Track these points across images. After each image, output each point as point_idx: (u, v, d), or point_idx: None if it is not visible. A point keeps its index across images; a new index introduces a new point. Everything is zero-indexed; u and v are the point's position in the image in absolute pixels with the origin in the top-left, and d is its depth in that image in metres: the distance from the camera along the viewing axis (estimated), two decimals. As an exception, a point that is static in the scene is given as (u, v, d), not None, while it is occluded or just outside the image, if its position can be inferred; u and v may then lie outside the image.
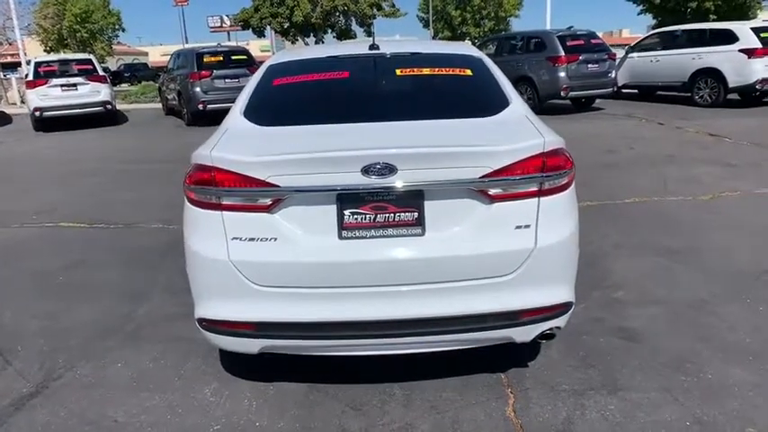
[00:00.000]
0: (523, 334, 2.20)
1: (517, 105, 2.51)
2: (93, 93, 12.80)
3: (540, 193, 2.11)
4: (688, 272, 3.61)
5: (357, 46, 3.26)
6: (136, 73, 36.34)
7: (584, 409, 2.30)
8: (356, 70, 2.83)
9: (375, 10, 21.04)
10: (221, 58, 12.41)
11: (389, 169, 1.99)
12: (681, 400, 2.33)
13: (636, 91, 13.32)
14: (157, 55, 57.21)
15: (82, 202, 6.16)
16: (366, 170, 1.99)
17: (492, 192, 2.06)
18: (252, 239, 2.08)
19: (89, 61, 13.59)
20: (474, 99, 2.64)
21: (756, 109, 10.92)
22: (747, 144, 7.59)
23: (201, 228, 2.16)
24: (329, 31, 21.64)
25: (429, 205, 2.06)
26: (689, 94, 11.67)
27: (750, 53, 10.57)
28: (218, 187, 2.08)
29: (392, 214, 2.06)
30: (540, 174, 2.08)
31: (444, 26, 41.62)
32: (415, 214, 2.07)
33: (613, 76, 11.90)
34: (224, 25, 40.81)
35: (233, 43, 21.37)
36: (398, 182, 2.01)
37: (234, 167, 2.05)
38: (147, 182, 7.09)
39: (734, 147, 7.53)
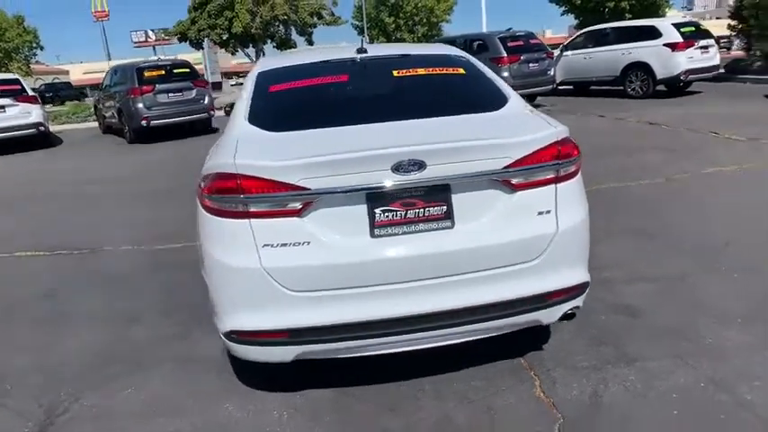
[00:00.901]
0: (549, 316, 2.29)
1: (516, 100, 2.62)
2: (23, 114, 12.03)
3: (557, 180, 2.21)
4: (663, 249, 3.86)
5: (343, 50, 3.28)
6: (58, 93, 34.33)
7: (607, 382, 2.42)
8: (354, 73, 2.85)
9: (316, 19, 21.00)
10: (163, 72, 12.00)
11: (419, 165, 2.03)
12: (691, 363, 2.49)
13: (572, 87, 13.99)
14: (80, 73, 54.45)
15: (37, 229, 5.80)
16: (396, 167, 2.02)
17: (514, 181, 2.14)
18: (284, 245, 2.06)
19: (16, 81, 12.76)
20: (475, 95, 2.72)
21: (681, 98, 11.73)
22: (684, 130, 8.15)
23: (227, 237, 2.11)
24: (269, 41, 21.37)
25: (456, 198, 2.12)
26: (621, 88, 12.39)
27: (673, 47, 11.39)
28: (245, 195, 2.04)
29: (422, 209, 2.10)
30: (556, 161, 2.18)
31: (379, 33, 41.98)
32: (444, 207, 2.11)
33: (552, 73, 12.47)
34: (149, 39, 39.33)
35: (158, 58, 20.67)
36: (427, 177, 2.05)
37: (262, 173, 2.02)
38: (101, 204, 6.77)
39: (672, 133, 8.06)
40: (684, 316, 2.92)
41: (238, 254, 2.08)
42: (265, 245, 2.06)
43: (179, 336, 3.16)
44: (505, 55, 11.74)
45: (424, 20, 43.15)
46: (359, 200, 2.07)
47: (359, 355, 2.25)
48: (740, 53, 14.94)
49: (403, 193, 2.08)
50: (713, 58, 11.96)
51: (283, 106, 2.67)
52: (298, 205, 2.04)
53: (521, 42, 12.24)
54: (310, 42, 21.27)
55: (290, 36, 21.75)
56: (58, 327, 3.43)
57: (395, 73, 2.85)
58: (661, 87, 12.13)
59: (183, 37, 20.96)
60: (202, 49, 22.90)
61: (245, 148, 2.19)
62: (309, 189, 2.02)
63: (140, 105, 11.62)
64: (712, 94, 11.95)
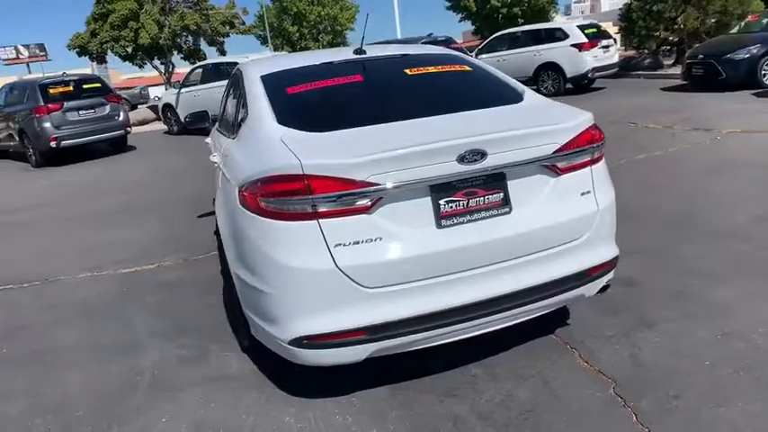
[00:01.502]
0: (591, 289, 2.46)
1: (530, 93, 2.78)
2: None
3: (592, 162, 2.39)
4: (633, 226, 4.21)
5: (340, 52, 3.29)
6: None
7: (638, 346, 2.63)
8: (368, 73, 2.88)
9: (228, 28, 20.34)
10: (71, 88, 11.10)
11: (481, 154, 2.11)
12: (702, 320, 2.78)
13: None
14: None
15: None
16: (461, 158, 2.08)
17: (560, 165, 2.28)
18: (356, 243, 2.05)
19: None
20: (494, 90, 2.85)
21: (589, 94, 12.76)
22: (606, 122, 8.88)
23: (292, 240, 2.06)
24: (176, 52, 20.36)
25: (511, 184, 2.22)
26: (535, 87, 13.25)
27: (580, 47, 12.40)
28: (313, 195, 2.01)
29: (482, 198, 2.18)
30: (591, 145, 2.36)
31: (283, 42, 41.56)
32: (501, 194, 2.21)
33: None
34: (20, 56, 36.05)
35: (36, 75, 18.93)
36: (488, 166, 2.13)
37: (333, 172, 2.00)
38: (32, 232, 6.20)
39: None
40: (678, 281, 3.22)
41: (309, 256, 2.04)
42: (338, 244, 2.04)
43: (196, 358, 3.00)
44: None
45: (329, 28, 43.36)
46: (424, 192, 2.11)
47: (426, 346, 2.28)
48: (630, 52, 16.50)
49: (465, 183, 2.14)
50: (613, 56, 13.15)
51: (313, 107, 2.64)
52: (368, 202, 2.04)
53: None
54: (222, 53, 20.61)
55: (199, 46, 20.96)
56: (45, 365, 3.11)
57: (408, 71, 2.91)
58: (568, 86, 13.12)
59: (82, 50, 19.43)
60: (105, 62, 21.40)
61: (300, 148, 2.14)
62: (380, 185, 2.03)
63: (47, 125, 10.69)
64: (614, 89, 13.10)
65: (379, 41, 15.26)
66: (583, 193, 2.35)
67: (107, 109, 11.47)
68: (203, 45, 20.76)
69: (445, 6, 49.92)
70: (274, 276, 2.13)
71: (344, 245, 2.04)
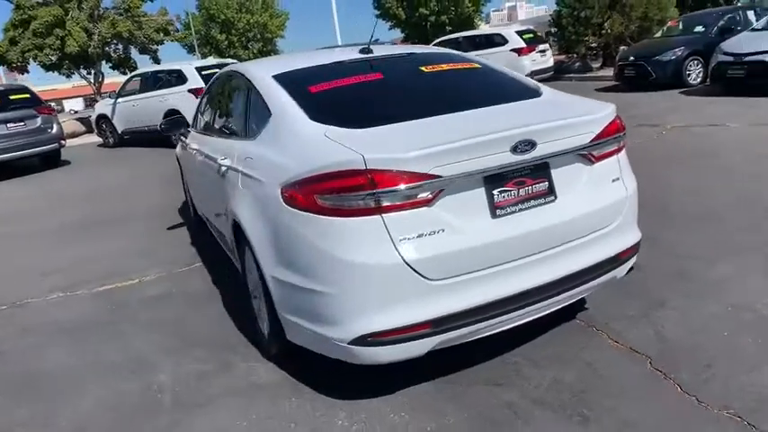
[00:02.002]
0: (621, 271, 2.58)
1: (547, 87, 2.89)
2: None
3: (618, 150, 2.52)
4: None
5: (345, 52, 3.28)
6: None
7: (660, 324, 2.78)
8: (387, 71, 2.88)
9: (162, 35, 19.43)
10: (-4, 100, 10.27)
11: (531, 144, 2.16)
12: (708, 296, 2.98)
13: None
14: None
15: None
16: (514, 148, 2.13)
17: (595, 153, 2.39)
18: (420, 236, 2.04)
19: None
20: (512, 85, 2.93)
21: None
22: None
23: (357, 236, 2.03)
24: (105, 61, 19.20)
25: (555, 173, 2.30)
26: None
27: (519, 52, 12.99)
28: (377, 189, 1.98)
29: (530, 187, 2.24)
30: (618, 134, 2.48)
31: (212, 50, 40.38)
32: (546, 183, 2.28)
33: None
34: None
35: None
36: (537, 155, 2.19)
37: (396, 165, 1.99)
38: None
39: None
40: (676, 263, 3.44)
41: (375, 251, 2.02)
42: (403, 238, 2.02)
43: (217, 370, 2.86)
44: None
45: (258, 36, 42.67)
46: (478, 183, 2.14)
47: (486, 334, 2.30)
48: (561, 57, 17.41)
49: (515, 173, 2.20)
50: (549, 60, 13.84)
51: (343, 105, 2.61)
52: (429, 195, 2.05)
53: None
54: (156, 60, 19.71)
55: (130, 55, 19.92)
56: (43, 390, 2.86)
57: (423, 69, 2.94)
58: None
59: (1, 60, 17.91)
60: (27, 72, 19.85)
61: (354, 143, 2.11)
62: (441, 177, 2.04)
63: (-29, 140, 9.83)
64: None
65: (326, 47, 15.20)
66: (613, 180, 2.47)
67: (38, 121, 10.70)
68: (134, 53, 19.82)
69: (375, 15, 50.58)
70: (336, 275, 2.08)
71: (409, 238, 2.03)
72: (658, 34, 13.09)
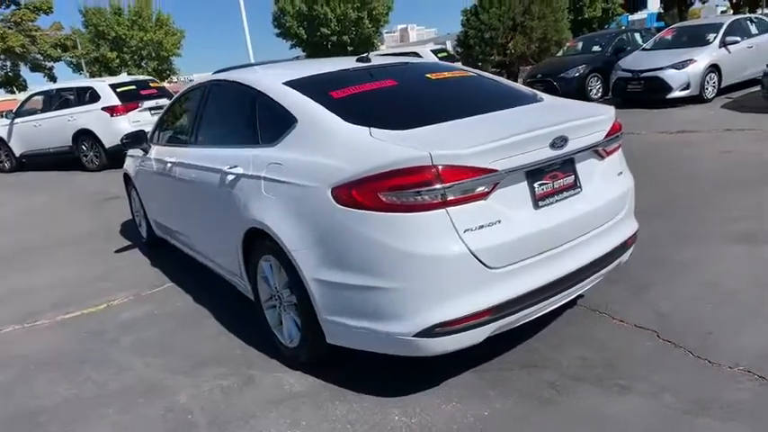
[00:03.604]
0: (626, 257, 2.86)
1: (544, 93, 3.15)
2: None
3: (618, 147, 2.81)
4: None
5: (344, 61, 3.36)
6: None
7: (653, 303, 3.09)
8: (398, 78, 2.99)
9: (61, 51, 17.80)
10: None
11: (565, 141, 2.38)
12: (684, 276, 3.37)
13: None
14: None
15: None
16: (552, 144, 2.33)
17: (606, 149, 2.65)
18: (481, 227, 2.16)
19: None
20: (516, 90, 3.15)
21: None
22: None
23: (424, 230, 2.11)
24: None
25: (578, 167, 2.53)
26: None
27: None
28: (443, 184, 2.08)
29: (561, 180, 2.45)
30: (619, 132, 2.78)
31: (101, 69, 37.79)
32: (572, 177, 2.50)
33: None
34: None
35: None
36: (568, 151, 2.41)
37: (460, 161, 2.10)
38: None
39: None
40: (647, 250, 3.79)
41: (442, 243, 2.10)
42: (467, 230, 2.13)
43: (241, 385, 2.76)
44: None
45: (153, 54, 40.73)
46: (522, 177, 2.31)
47: (532, 318, 2.45)
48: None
49: (551, 168, 2.39)
50: None
51: (372, 108, 2.66)
52: (486, 188, 2.18)
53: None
54: (52, 78, 18.06)
55: (19, 73, 18.09)
56: (48, 427, 2.59)
57: (430, 76, 3.09)
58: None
59: None
60: None
61: (411, 142, 2.19)
62: (497, 171, 2.18)
63: None
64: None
65: (242, 65, 14.86)
66: (618, 174, 2.75)
67: None
68: (24, 71, 18.01)
69: (275, 33, 50.33)
70: (402, 269, 2.13)
71: (471, 230, 2.14)
72: (559, 53, 14.34)
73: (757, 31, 10.62)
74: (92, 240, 5.84)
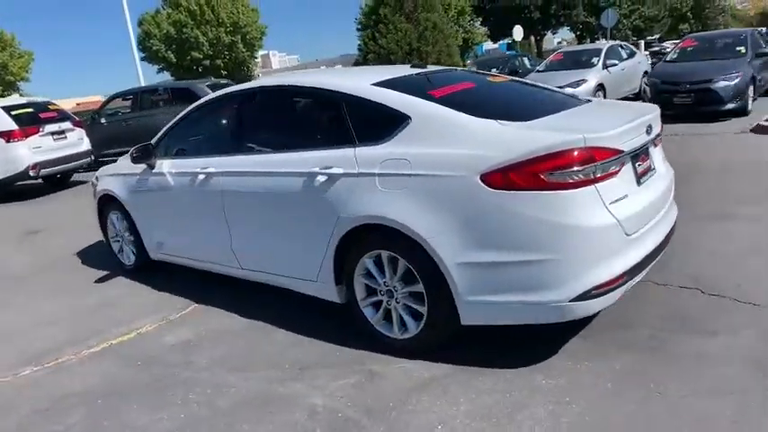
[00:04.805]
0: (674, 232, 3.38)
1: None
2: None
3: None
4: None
5: (401, 68, 3.57)
6: None
7: (682, 270, 3.65)
8: (471, 80, 3.29)
9: None
10: None
11: (651, 129, 2.84)
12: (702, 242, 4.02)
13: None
14: None
15: None
16: (647, 131, 2.77)
17: (658, 139, 3.16)
18: (618, 200, 2.52)
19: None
20: (561, 93, 3.57)
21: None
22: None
23: (581, 205, 2.41)
24: None
25: (651, 152, 2.99)
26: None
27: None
28: (594, 163, 2.40)
29: (646, 162, 2.89)
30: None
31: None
32: (649, 160, 2.95)
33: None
34: None
35: None
36: (650, 138, 2.88)
37: (604, 143, 2.45)
38: None
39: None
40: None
41: (596, 215, 2.42)
42: (611, 202, 2.47)
43: (370, 378, 2.80)
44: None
45: (-3, 79, 36.25)
46: (629, 158, 2.71)
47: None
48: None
49: (642, 151, 2.82)
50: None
51: (475, 104, 2.89)
52: (617, 167, 2.55)
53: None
54: None
55: None
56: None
57: (492, 80, 3.42)
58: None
59: None
60: None
61: (553, 124, 2.50)
62: (624, 151, 2.56)
63: None
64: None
65: (140, 88, 13.75)
66: (663, 159, 3.28)
67: None
68: None
69: (140, 57, 47.41)
70: (561, 240, 2.39)
71: (613, 202, 2.49)
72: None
73: (626, 56, 12.56)
74: (49, 273, 5.22)
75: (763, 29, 12.40)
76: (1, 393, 3.12)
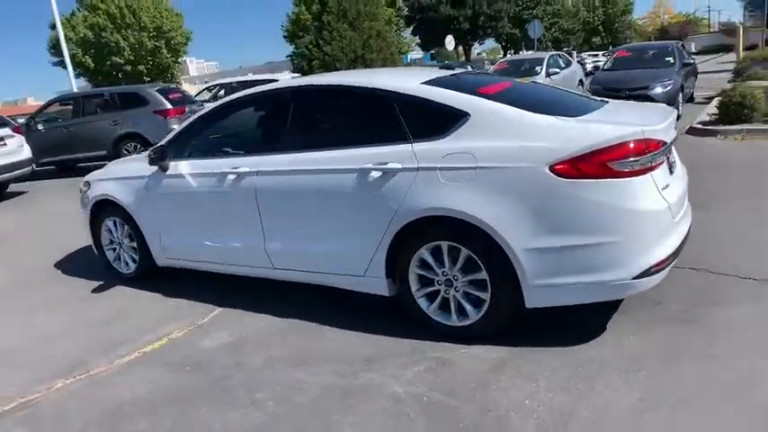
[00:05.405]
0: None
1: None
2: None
3: None
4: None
5: (430, 70, 3.74)
6: None
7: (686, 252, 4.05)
8: (507, 81, 3.49)
9: None
10: None
11: (675, 126, 3.16)
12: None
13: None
14: None
15: None
16: (672, 129, 3.09)
17: (675, 140, 3.52)
18: (665, 187, 2.80)
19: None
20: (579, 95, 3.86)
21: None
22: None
23: (643, 190, 2.67)
24: None
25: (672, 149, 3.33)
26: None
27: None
28: (652, 152, 2.68)
29: (671, 156, 3.21)
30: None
31: None
32: (672, 154, 3.28)
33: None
34: None
35: None
36: (675, 134, 3.20)
37: (656, 135, 2.73)
38: None
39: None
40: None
41: (654, 200, 2.69)
42: (662, 188, 2.75)
43: (442, 365, 2.91)
44: None
45: None
46: (664, 152, 3.00)
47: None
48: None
49: (668, 148, 3.12)
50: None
51: (527, 102, 3.07)
52: (662, 158, 2.83)
53: None
54: None
55: None
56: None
57: (520, 81, 3.65)
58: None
59: None
60: None
61: (605, 119, 2.76)
62: (668, 143, 2.85)
63: None
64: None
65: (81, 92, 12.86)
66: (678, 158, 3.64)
67: None
68: None
69: (51, 62, 44.57)
70: (627, 224, 2.64)
71: (664, 188, 2.77)
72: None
73: (564, 65, 13.44)
74: (33, 288, 4.86)
75: (680, 42, 13.65)
76: (41, 408, 2.93)
